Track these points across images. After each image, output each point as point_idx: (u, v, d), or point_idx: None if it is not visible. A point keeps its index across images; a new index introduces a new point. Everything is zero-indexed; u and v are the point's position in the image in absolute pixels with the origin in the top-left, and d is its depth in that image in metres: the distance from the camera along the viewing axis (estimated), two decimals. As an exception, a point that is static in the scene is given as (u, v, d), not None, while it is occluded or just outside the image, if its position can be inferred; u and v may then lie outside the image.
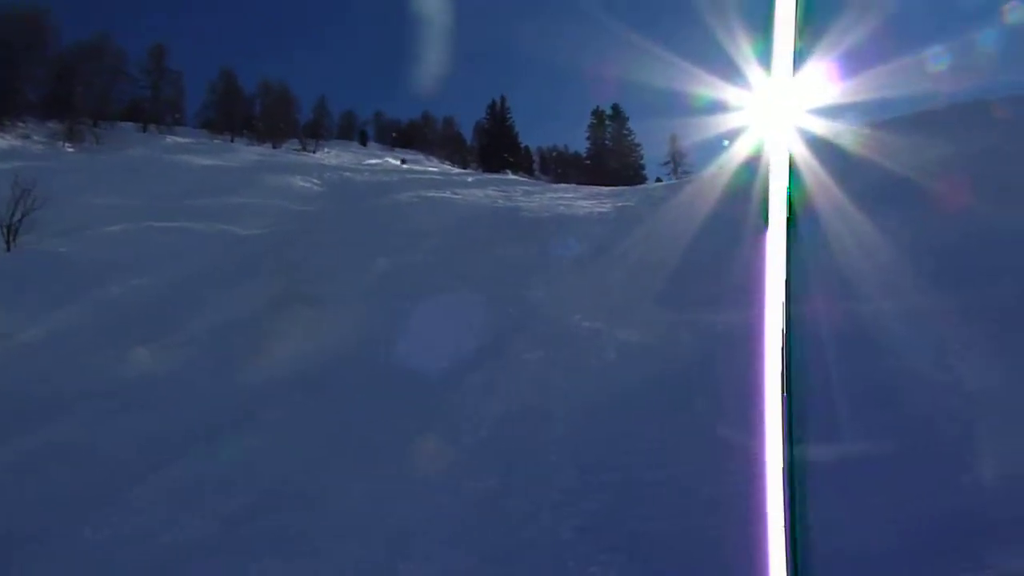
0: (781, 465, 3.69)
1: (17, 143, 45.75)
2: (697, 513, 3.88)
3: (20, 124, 50.67)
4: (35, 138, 48.70)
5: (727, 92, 17.90)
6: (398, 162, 54.80)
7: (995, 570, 2.87)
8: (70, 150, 47.04)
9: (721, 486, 3.99)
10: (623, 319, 8.22)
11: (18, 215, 19.79)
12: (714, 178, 14.99)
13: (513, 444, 5.44)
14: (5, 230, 19.55)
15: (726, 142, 17.48)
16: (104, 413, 7.85)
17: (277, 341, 9.36)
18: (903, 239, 6.96)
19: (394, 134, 79.77)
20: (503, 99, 75.93)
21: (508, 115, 75.37)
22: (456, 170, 57.18)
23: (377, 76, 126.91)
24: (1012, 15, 14.25)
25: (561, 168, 77.47)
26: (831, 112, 12.51)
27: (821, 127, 12.03)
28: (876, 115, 13.90)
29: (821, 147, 10.99)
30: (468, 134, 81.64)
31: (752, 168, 12.10)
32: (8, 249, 18.84)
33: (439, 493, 4.80)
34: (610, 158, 69.18)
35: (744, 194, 10.67)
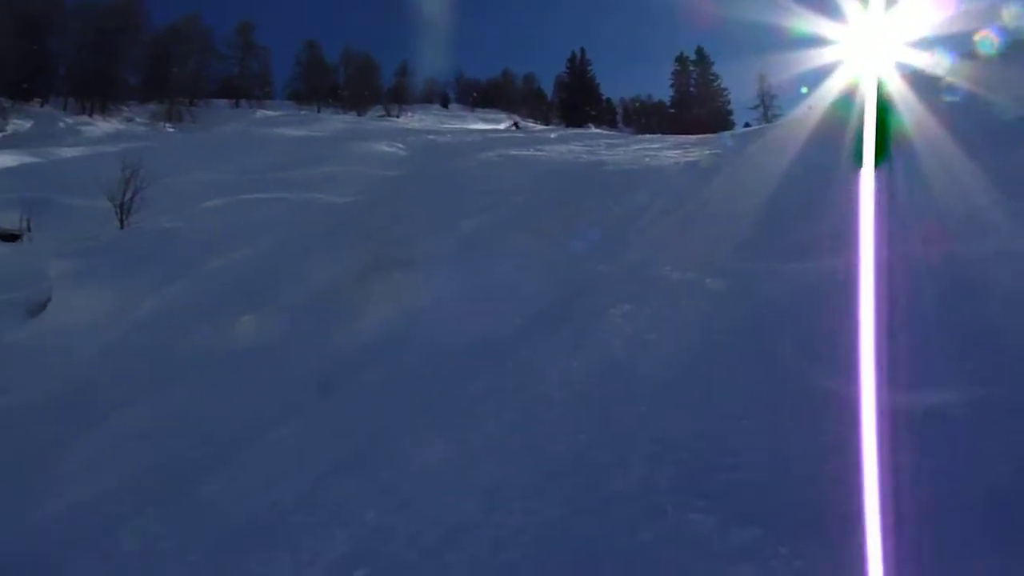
0: (876, 412, 3.64)
1: (122, 126, 48.65)
2: (791, 463, 3.85)
3: (124, 108, 53.71)
4: (138, 120, 51.61)
5: (820, 25, 16.96)
6: (506, 125, 50.60)
7: None
8: (170, 130, 49.58)
9: (816, 435, 3.94)
10: (714, 268, 8.06)
11: (129, 195, 21.09)
12: (804, 119, 14.35)
13: (603, 398, 5.49)
14: (118, 209, 20.88)
15: (804, 89, 16.62)
16: (214, 380, 8.39)
17: (369, 305, 9.69)
18: (1006, 177, 6.52)
19: (475, 94, 79.73)
20: (582, 51, 74.64)
21: (588, 67, 74.05)
22: (538, 127, 56.72)
23: (457, 37, 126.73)
24: None
25: (644, 118, 75.70)
26: (931, 43, 11.72)
27: (920, 60, 11.32)
28: (978, 46, 12.88)
29: (920, 82, 10.37)
30: (549, 89, 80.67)
31: (845, 107, 11.53)
32: (121, 227, 20.13)
33: (529, 450, 4.92)
34: (695, 105, 67.02)
35: (837, 135, 10.20)
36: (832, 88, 14.36)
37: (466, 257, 11.16)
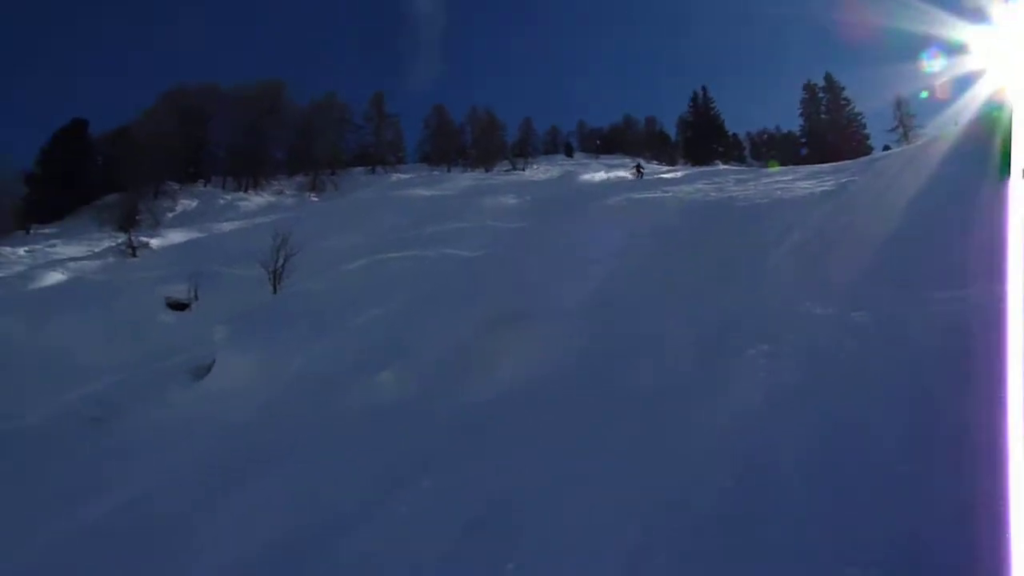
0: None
1: (272, 199, 52.96)
2: (964, 516, 3.51)
3: (274, 182, 58.52)
4: (286, 192, 55.96)
5: (962, 32, 15.86)
6: (629, 171, 43.27)
7: None
8: (314, 199, 53.35)
9: (975, 484, 3.58)
10: (857, 302, 7.60)
11: (280, 261, 22.76)
12: (945, 137, 13.42)
13: (742, 449, 5.24)
14: (272, 275, 22.55)
15: (924, 94, 15.50)
16: (359, 437, 8.72)
17: (497, 359, 9.81)
18: None
19: (598, 141, 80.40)
20: (704, 89, 73.80)
21: (712, 104, 72.97)
22: (664, 168, 56.27)
23: (577, 87, 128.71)
24: None
25: (774, 151, 73.30)
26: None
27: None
28: None
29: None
30: (672, 130, 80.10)
31: (990, 120, 10.67)
32: (274, 292, 21.65)
33: (670, 507, 4.76)
34: (828, 132, 64.28)
35: (981, 151, 9.45)
36: (975, 99, 13.36)
37: (590, 309, 11.08)
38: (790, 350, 6.98)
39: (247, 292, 21.84)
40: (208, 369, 14.86)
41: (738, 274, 10.62)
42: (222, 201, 51.03)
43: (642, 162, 39.86)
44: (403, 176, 60.30)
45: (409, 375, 10.34)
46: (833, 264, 9.68)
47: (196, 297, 24.18)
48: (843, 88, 66.91)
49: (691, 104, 73.67)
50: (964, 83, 15.10)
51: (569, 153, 77.93)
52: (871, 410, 5.06)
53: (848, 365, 6.19)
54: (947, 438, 4.22)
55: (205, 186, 56.57)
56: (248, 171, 58.19)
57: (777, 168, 30.42)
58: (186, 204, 50.28)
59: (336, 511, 6.59)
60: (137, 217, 43.21)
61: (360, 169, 65.39)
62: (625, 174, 40.92)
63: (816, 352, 6.72)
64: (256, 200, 52.08)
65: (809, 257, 10.57)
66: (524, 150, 71.40)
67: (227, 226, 39.18)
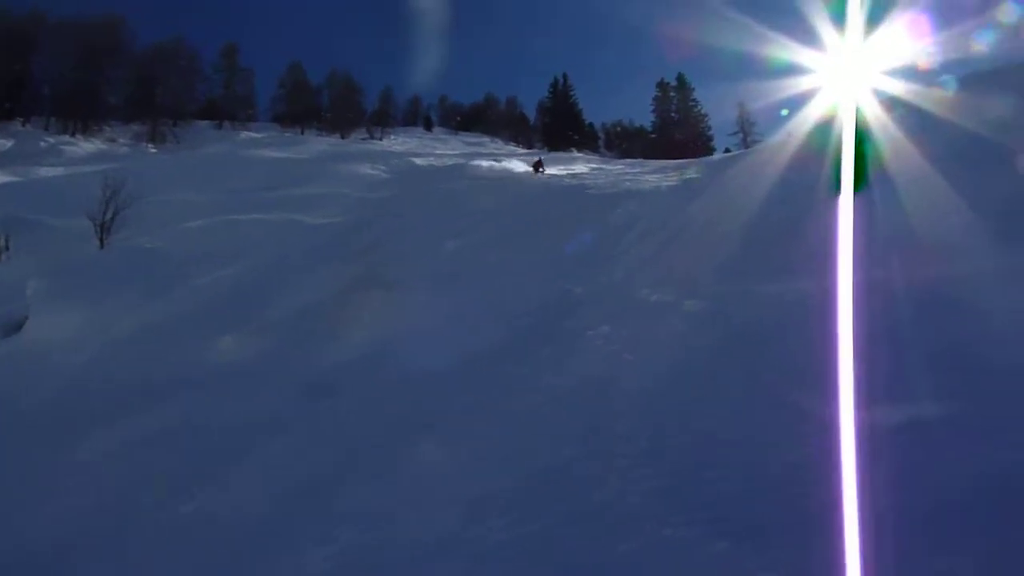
0: (851, 426, 3.69)
1: (104, 146, 48.35)
2: (767, 476, 3.89)
3: (106, 128, 53.38)
4: (121, 141, 51.27)
5: (799, 54, 17.32)
6: (524, 168, 31.83)
7: None
8: (153, 151, 49.35)
9: (792, 450, 3.99)
10: (691, 290, 8.14)
11: (109, 214, 20.98)
12: (782, 145, 14.57)
13: (583, 416, 5.52)
14: (98, 228, 20.75)
15: (784, 111, 16.90)
16: (195, 401, 8.33)
17: (348, 326, 9.69)
18: (979, 200, 6.66)
19: (458, 117, 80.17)
20: (565, 76, 75.20)
21: (571, 92, 74.62)
22: (521, 150, 57.09)
23: (440, 61, 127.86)
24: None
25: (626, 143, 76.34)
26: (904, 72, 12.00)
27: (895, 87, 11.55)
28: (954, 72, 13.19)
29: (893, 107, 10.60)
30: (532, 113, 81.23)
31: (824, 132, 11.72)
32: (101, 246, 19.98)
33: (512, 464, 4.94)
34: (676, 130, 67.79)
35: (815, 160, 10.37)
36: (811, 115, 14.60)
37: (447, 280, 11.17)
38: (627, 332, 7.40)
39: (70, 245, 19.96)
40: (19, 327, 13.49)
41: (584, 258, 11.03)
42: (44, 144, 45.80)
43: (542, 158, 31.73)
44: (254, 135, 57.16)
45: (253, 340, 9.95)
46: (673, 255, 10.28)
47: (7, 247, 21.80)
48: (693, 89, 70.72)
49: (551, 90, 74.93)
50: (804, 99, 16.40)
51: (428, 127, 77.19)
52: (694, 384, 5.53)
53: (677, 345, 6.69)
54: (766, 406, 4.67)
55: (24, 125, 50.79)
56: (77, 114, 52.61)
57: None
58: (-1, 143, 44.94)
59: (173, 472, 6.32)
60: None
61: (206, 123, 61.16)
62: (519, 167, 32.17)
63: (650, 334, 7.17)
64: (85, 146, 47.34)
65: (651, 247, 11.15)
66: (383, 119, 69.88)
67: (48, 172, 35.41)
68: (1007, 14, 13.29)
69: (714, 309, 7.34)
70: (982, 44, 13.35)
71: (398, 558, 4.20)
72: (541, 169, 29.34)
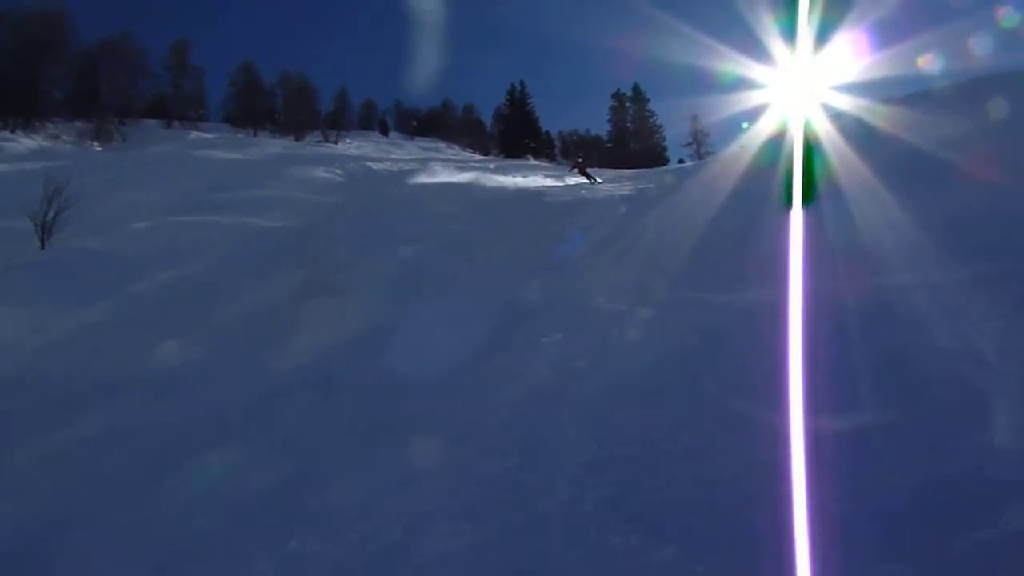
0: (795, 435, 3.76)
1: (47, 143, 46.67)
2: (713, 484, 3.94)
3: (49, 124, 51.51)
4: (64, 138, 49.54)
5: (750, 69, 17.75)
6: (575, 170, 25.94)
7: (1011, 526, 2.93)
8: (98, 149, 47.86)
9: (737, 458, 4.04)
10: (645, 300, 8.22)
11: (51, 214, 20.25)
12: (735, 158, 14.85)
13: (533, 425, 5.53)
14: (39, 228, 20.01)
15: (745, 124, 17.26)
16: (136, 405, 8.10)
17: (297, 332, 9.55)
18: (924, 213, 6.87)
19: (414, 122, 79.77)
20: (522, 84, 75.63)
21: (528, 100, 75.07)
22: (477, 157, 57.14)
23: (396, 65, 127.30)
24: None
25: (581, 153, 77.02)
26: (853, 88, 12.35)
27: (843, 102, 11.89)
28: (899, 90, 13.66)
29: (843, 123, 10.89)
30: (489, 121, 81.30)
31: (774, 146, 11.99)
32: (42, 247, 19.30)
33: (456, 476, 4.92)
34: (632, 140, 68.72)
35: (766, 173, 10.58)
36: (763, 129, 14.94)
37: (400, 287, 11.09)
38: (581, 339, 7.44)
39: (9, 245, 19.21)
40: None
41: (539, 267, 11.05)
42: (-20, 140, 44.27)
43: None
44: (205, 135, 55.83)
45: (198, 345, 9.71)
46: (626, 264, 10.38)
47: (-63, 245, 20.91)
48: (648, 100, 71.77)
49: (508, 97, 75.29)
50: (755, 113, 16.81)
51: (384, 131, 76.65)
52: (643, 392, 5.62)
53: (628, 352, 6.80)
54: (712, 414, 4.75)
55: (-41, 120, 48.80)
56: (17, 109, 50.79)
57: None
58: (-68, 139, 43.06)
59: (106, 485, 6.10)
60: None
61: (155, 122, 59.55)
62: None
63: (603, 341, 7.22)
64: (26, 143, 45.64)
65: (605, 256, 11.24)
66: (338, 122, 69.09)
67: (-14, 168, 34.18)
68: (952, 34, 13.84)
69: (666, 317, 7.43)
70: (929, 63, 13.87)
71: (344, 568, 4.13)
72: (588, 173, 22.75)
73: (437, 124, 78.93)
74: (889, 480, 3.51)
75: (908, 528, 3.15)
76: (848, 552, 3.03)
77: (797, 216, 6.24)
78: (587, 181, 20.66)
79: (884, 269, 6.16)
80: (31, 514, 5.94)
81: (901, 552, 3.02)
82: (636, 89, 71.85)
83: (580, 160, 22.29)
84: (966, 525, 3.03)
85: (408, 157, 48.99)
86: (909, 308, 5.26)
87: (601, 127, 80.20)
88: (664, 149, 70.37)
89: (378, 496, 4.96)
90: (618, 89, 72.69)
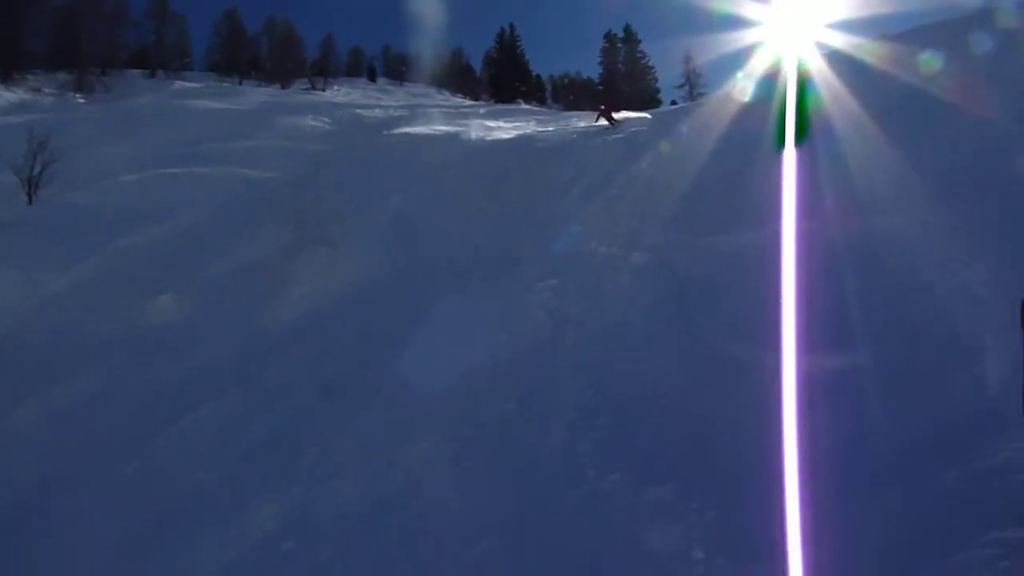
0: (788, 373, 3.80)
1: (28, 96, 45.66)
2: (705, 426, 3.99)
3: (30, 77, 50.31)
4: (45, 90, 48.43)
5: (744, 7, 17.41)
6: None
7: (1001, 455, 2.98)
8: (81, 101, 46.86)
9: (728, 400, 4.10)
10: (637, 244, 8.20)
11: (37, 168, 19.91)
12: (728, 98, 14.64)
13: (530, 371, 5.57)
14: (26, 183, 19.71)
15: (740, 73, 16.89)
16: (131, 362, 8.12)
17: (290, 284, 9.51)
18: (915, 153, 6.83)
19: (403, 67, 78.17)
20: (512, 27, 73.83)
21: (518, 43, 73.45)
22: (468, 102, 56.23)
23: (384, 10, 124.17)
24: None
25: (574, 96, 75.80)
26: (848, 26, 12.15)
27: (838, 40, 11.70)
28: (894, 27, 13.41)
29: (837, 61, 10.73)
30: (478, 65, 79.72)
31: (768, 86, 11.81)
32: (30, 202, 19.07)
33: (454, 423, 4.97)
34: (624, 82, 67.53)
35: (759, 113, 10.45)
36: (755, 68, 14.72)
37: (393, 237, 11.00)
38: (575, 284, 7.45)
39: (-6, 200, 19.01)
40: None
41: (533, 214, 10.97)
42: (-40, 94, 43.29)
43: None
44: (189, 85, 54.61)
45: (190, 300, 9.69)
46: (619, 209, 10.30)
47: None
48: (640, 42, 70.29)
49: (497, 41, 73.65)
50: (748, 53, 16.53)
51: (372, 77, 75.12)
52: (637, 337, 5.70)
53: (622, 298, 6.81)
54: (704, 358, 4.81)
55: (-65, 73, 47.57)
56: (-4, 61, 49.51)
57: None
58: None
59: (105, 440, 6.17)
60: None
61: (138, 72, 58.15)
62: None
63: (597, 285, 7.24)
64: (7, 96, 44.64)
65: (598, 202, 11.15)
66: (325, 69, 67.64)
67: (-35, 123, 33.51)
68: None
69: (658, 261, 7.43)
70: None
71: (347, 513, 4.20)
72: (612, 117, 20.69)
73: (427, 69, 77.34)
74: (882, 415, 3.57)
75: (901, 459, 3.22)
76: (841, 482, 3.10)
77: (789, 157, 6.19)
78: (609, 126, 20.16)
79: (875, 210, 6.16)
80: (34, 470, 6.02)
81: (893, 479, 3.09)
82: (627, 30, 70.24)
83: (603, 108, 22.20)
84: (959, 456, 3.10)
85: (398, 104, 48.15)
86: (899, 250, 5.27)
87: (593, 70, 78.60)
88: (657, 91, 69.21)
89: (376, 444, 5.03)
90: (610, 30, 71.16)
